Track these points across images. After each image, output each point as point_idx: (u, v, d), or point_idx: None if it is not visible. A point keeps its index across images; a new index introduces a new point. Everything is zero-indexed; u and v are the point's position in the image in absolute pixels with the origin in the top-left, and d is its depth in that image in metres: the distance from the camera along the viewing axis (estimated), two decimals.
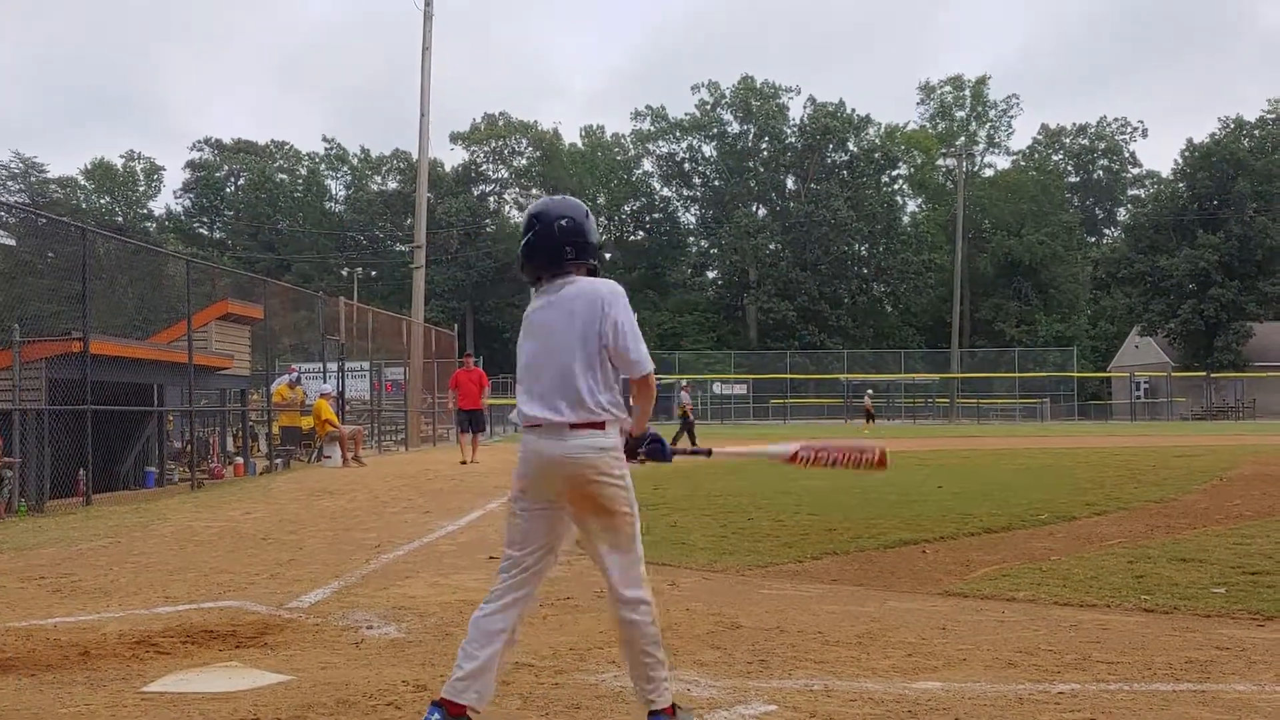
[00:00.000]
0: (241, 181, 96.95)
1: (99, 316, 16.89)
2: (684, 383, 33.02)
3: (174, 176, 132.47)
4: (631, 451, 4.03)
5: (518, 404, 4.01)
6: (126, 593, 7.26)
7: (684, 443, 28.89)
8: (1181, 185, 76.57)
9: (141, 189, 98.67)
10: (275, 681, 4.78)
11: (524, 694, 4.54)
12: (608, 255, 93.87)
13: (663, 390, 76.54)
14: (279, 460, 22.25)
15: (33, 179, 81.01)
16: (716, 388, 74.14)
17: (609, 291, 3.98)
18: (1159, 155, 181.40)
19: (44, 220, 28.46)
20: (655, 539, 9.67)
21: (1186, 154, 75.89)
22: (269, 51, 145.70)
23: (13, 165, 79.61)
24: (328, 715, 4.26)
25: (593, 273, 4.08)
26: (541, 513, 3.96)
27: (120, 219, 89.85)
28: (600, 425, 3.86)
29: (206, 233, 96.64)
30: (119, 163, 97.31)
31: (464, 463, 21.11)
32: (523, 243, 4.06)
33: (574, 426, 3.83)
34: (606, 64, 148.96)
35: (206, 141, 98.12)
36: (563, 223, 3.99)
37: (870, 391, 54.78)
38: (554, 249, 3.98)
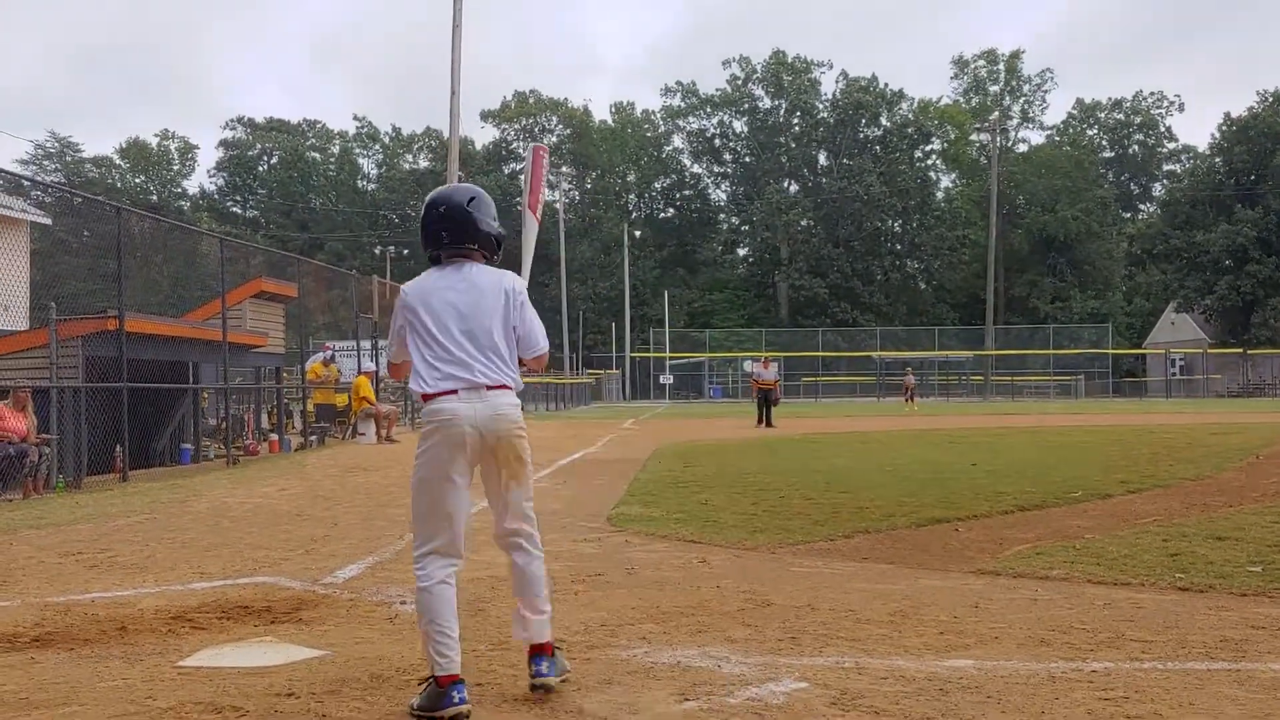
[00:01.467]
0: (274, 160, 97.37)
1: (134, 294, 17.06)
2: (763, 359, 32.86)
3: (207, 155, 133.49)
4: None
5: (427, 372, 4.24)
6: (163, 568, 7.34)
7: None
8: (1219, 160, 75.71)
9: (175, 168, 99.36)
10: (310, 656, 4.83)
11: None
12: (637, 233, 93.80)
13: (692, 369, 76.55)
14: (313, 437, 22.41)
15: (68, 158, 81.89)
16: (747, 366, 74.03)
17: (517, 285, 4.45)
18: (1195, 130, 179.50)
19: (80, 199, 28.71)
20: (686, 516, 9.69)
21: (1224, 128, 74.99)
22: (301, 30, 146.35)
23: (49, 145, 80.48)
24: (362, 690, 4.29)
25: (488, 258, 4.45)
26: (464, 475, 4.22)
27: (155, 198, 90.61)
28: (510, 389, 4.29)
29: (240, 211, 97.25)
30: (153, 142, 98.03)
31: None
32: (421, 224, 4.45)
33: (492, 388, 4.22)
34: (641, 40, 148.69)
35: (239, 120, 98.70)
36: (441, 209, 4.37)
37: (910, 368, 54.08)
38: (434, 233, 4.37)
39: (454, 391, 4.17)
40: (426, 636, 4.08)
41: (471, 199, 4.40)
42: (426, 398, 4.21)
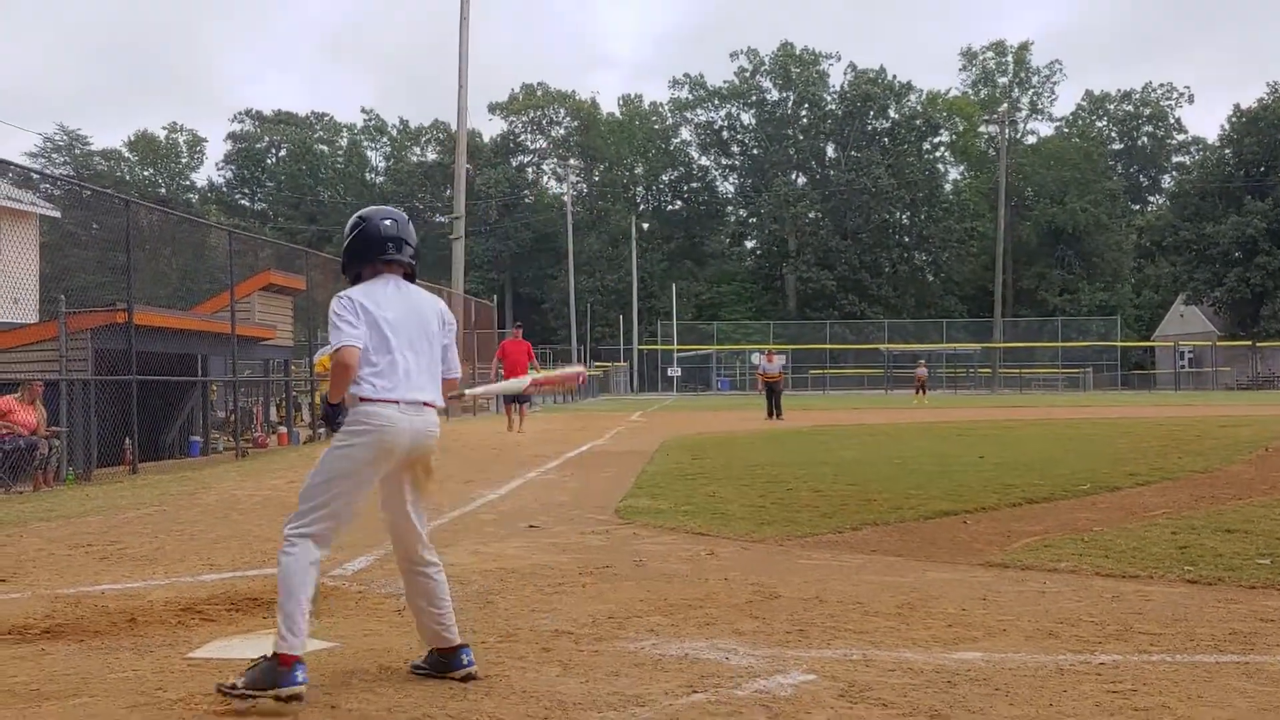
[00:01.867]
0: (282, 153, 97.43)
1: (143, 287, 17.10)
2: (767, 352, 33.01)
3: (216, 148, 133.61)
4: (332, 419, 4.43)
5: (376, 378, 4.30)
6: (172, 560, 7.37)
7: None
8: (1228, 151, 75.44)
9: (184, 161, 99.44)
10: (319, 648, 4.84)
11: (564, 661, 4.57)
12: (645, 226, 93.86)
13: (700, 361, 76.53)
14: (322, 430, 22.45)
15: (77, 151, 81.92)
16: (755, 358, 73.99)
17: (447, 309, 4.66)
18: (1205, 122, 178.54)
19: (88, 192, 28.75)
20: (694, 508, 9.70)
21: (1234, 119, 74.70)
22: (309, 23, 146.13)
23: (57, 138, 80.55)
24: (371, 682, 4.31)
25: (409, 275, 4.57)
26: (373, 481, 4.33)
27: (163, 190, 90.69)
28: (437, 407, 4.49)
29: (248, 204, 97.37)
30: (161, 135, 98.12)
31: (510, 430, 21.44)
32: (348, 242, 4.52)
33: (427, 405, 4.40)
34: (651, 33, 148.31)
35: (247, 113, 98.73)
36: (388, 222, 4.50)
37: (923, 361, 53.52)
38: (381, 245, 4.46)
39: (396, 402, 4.28)
40: (283, 611, 4.07)
41: (407, 219, 4.61)
42: (365, 400, 4.26)
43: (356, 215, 4.56)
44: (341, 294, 4.41)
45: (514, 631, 5.12)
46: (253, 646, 4.89)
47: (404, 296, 4.45)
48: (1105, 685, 4.16)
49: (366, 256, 4.47)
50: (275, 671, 3.95)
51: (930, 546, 7.67)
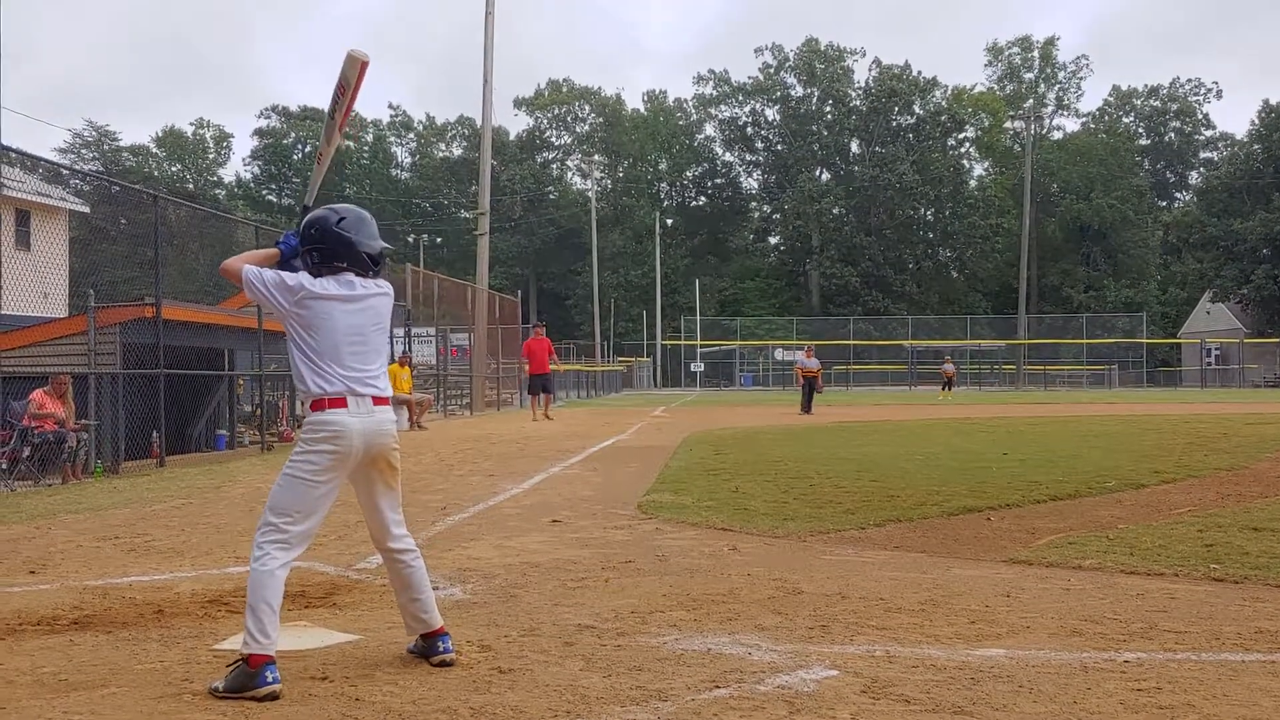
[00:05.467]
0: (309, 148, 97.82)
1: (171, 282, 17.23)
2: (807, 348, 33.24)
3: (242, 144, 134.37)
4: None
5: (330, 381, 4.34)
6: (199, 552, 7.42)
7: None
8: (1257, 147, 74.75)
9: (211, 156, 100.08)
10: (343, 641, 4.87)
11: (587, 656, 4.58)
12: (669, 222, 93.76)
13: (723, 356, 76.48)
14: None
15: (106, 147, 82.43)
16: (778, 354, 74.01)
17: (392, 298, 4.64)
18: (1234, 117, 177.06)
19: (117, 188, 28.95)
20: (716, 504, 9.70)
21: (1263, 115, 74.04)
22: (334, 19, 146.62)
23: (86, 134, 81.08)
24: (394, 674, 4.34)
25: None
26: (337, 484, 4.39)
27: (190, 186, 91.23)
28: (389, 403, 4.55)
29: (275, 199, 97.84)
30: (189, 130, 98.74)
31: (535, 421, 22.68)
32: (313, 244, 4.44)
33: (378, 401, 4.43)
34: (687, 29, 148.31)
35: (274, 109, 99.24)
36: (311, 231, 4.45)
37: (949, 357, 53.36)
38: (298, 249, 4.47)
39: (343, 404, 4.31)
40: (254, 614, 4.14)
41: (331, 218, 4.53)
42: (317, 405, 4.32)
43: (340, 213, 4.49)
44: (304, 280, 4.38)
45: (537, 626, 5.14)
46: (279, 639, 4.92)
47: (356, 295, 4.41)
48: (1130, 683, 4.14)
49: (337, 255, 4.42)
50: (247, 674, 4.05)
51: (954, 543, 7.65)
